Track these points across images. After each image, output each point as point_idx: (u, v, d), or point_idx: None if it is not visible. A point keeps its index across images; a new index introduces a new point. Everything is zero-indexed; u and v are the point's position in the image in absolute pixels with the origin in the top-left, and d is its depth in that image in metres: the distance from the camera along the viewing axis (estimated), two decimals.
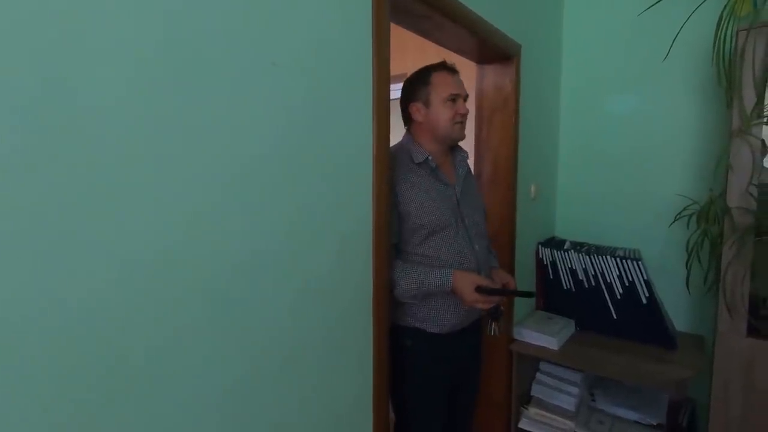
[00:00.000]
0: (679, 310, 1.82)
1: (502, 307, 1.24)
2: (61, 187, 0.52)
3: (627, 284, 1.71)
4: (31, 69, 0.49)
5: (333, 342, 0.94)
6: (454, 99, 1.21)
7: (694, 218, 1.53)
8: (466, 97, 1.25)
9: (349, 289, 0.97)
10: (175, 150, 0.63)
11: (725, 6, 1.40)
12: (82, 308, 0.55)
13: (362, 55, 0.96)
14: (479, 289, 1.10)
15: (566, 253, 1.84)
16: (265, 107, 0.75)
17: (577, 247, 1.86)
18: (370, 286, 1.03)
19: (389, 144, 1.04)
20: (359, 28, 0.95)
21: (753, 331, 1.43)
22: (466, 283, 1.11)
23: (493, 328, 1.25)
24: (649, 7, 1.60)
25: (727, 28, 1.39)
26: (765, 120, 1.36)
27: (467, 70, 1.63)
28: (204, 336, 0.69)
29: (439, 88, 1.21)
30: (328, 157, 0.89)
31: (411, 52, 2.17)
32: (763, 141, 1.39)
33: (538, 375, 1.85)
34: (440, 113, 1.21)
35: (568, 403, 1.72)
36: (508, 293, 1.22)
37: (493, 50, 1.54)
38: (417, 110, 1.24)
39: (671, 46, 1.59)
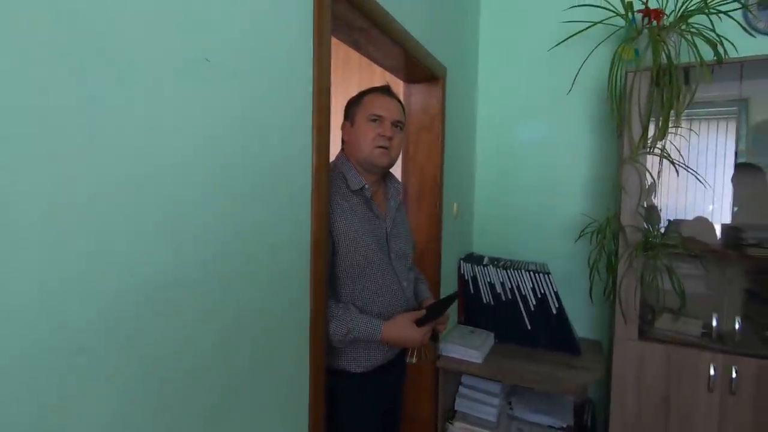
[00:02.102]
0: (581, 317, 2.01)
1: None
2: None
3: (539, 296, 1.83)
4: None
5: (266, 383, 0.83)
6: (376, 119, 1.14)
7: (594, 235, 1.70)
8: (397, 124, 1.18)
9: (284, 322, 0.87)
10: (68, 153, 0.50)
11: (616, 50, 1.61)
12: None
13: (302, 63, 0.89)
14: (417, 323, 1.10)
15: (485, 268, 1.92)
16: (192, 107, 0.65)
17: (495, 261, 1.96)
18: (307, 319, 0.94)
19: (329, 157, 0.98)
20: (300, 35, 0.88)
21: (643, 335, 1.62)
22: (406, 326, 1.09)
23: (422, 353, 1.25)
24: (556, 45, 1.78)
25: (618, 69, 1.60)
26: (649, 150, 1.58)
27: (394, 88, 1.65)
28: (105, 387, 0.55)
29: (366, 106, 1.17)
30: (262, 168, 0.80)
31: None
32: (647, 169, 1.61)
33: (461, 389, 1.89)
34: (361, 132, 1.15)
35: (490, 414, 1.78)
36: (438, 307, 1.22)
37: (422, 70, 1.57)
38: (345, 129, 1.20)
39: (573, 81, 1.78)
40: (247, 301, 0.77)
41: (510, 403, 1.88)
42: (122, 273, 0.56)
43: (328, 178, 0.97)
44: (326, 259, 0.99)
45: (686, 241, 1.65)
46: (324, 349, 0.99)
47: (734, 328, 1.57)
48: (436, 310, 1.19)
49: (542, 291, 1.83)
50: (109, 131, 0.54)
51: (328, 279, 1.01)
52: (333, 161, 1.18)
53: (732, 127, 1.74)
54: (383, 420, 1.24)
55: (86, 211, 0.52)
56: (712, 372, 1.50)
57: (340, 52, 2.52)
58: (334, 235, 1.07)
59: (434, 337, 1.23)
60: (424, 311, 1.16)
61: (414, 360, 1.24)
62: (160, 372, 0.62)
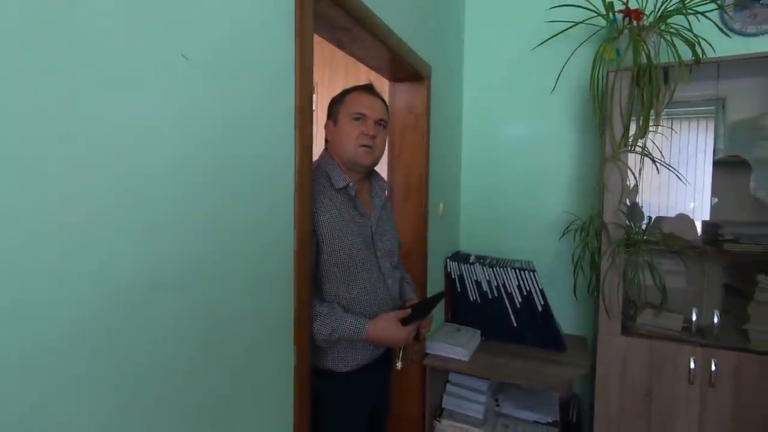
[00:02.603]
0: (566, 314, 2.03)
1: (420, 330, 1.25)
2: None
3: (525, 293, 1.85)
4: None
5: (250, 383, 0.83)
6: (359, 118, 1.14)
7: (578, 232, 1.72)
8: (381, 122, 1.18)
9: (268, 323, 0.87)
10: (46, 154, 0.49)
11: (598, 50, 1.63)
12: None
13: (284, 62, 0.89)
14: (402, 322, 1.11)
15: (472, 267, 1.94)
16: (171, 106, 0.64)
17: (481, 260, 1.98)
18: (291, 320, 0.93)
19: (312, 158, 0.98)
20: (281, 34, 0.87)
21: (625, 330, 1.65)
22: (391, 325, 1.09)
23: (409, 355, 1.26)
24: (539, 44, 1.80)
25: (599, 69, 1.62)
26: (630, 149, 1.61)
27: (380, 88, 1.65)
28: (85, 390, 0.54)
29: (348, 104, 1.16)
30: (245, 168, 0.79)
31: None
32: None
33: (448, 386, 1.90)
34: (344, 131, 1.14)
35: (477, 411, 1.79)
36: (424, 306, 1.22)
37: (407, 69, 1.57)
38: (328, 128, 1.20)
39: (557, 81, 1.80)
40: (230, 301, 0.77)
41: (497, 400, 1.89)
42: (103, 274, 0.55)
43: (311, 178, 0.97)
44: (310, 259, 0.98)
45: (667, 237, 1.68)
46: (308, 348, 0.98)
47: (713, 321, 1.60)
48: (422, 309, 1.20)
49: (528, 288, 1.85)
50: (87, 131, 0.53)
51: (312, 278, 1.01)
52: (317, 160, 1.17)
53: (710, 125, 1.78)
54: (370, 419, 1.24)
55: (65, 212, 0.51)
56: (692, 365, 1.53)
57: (325, 51, 2.52)
58: (318, 233, 1.07)
59: (416, 337, 1.23)
60: (409, 310, 1.16)
61: (399, 365, 1.25)
62: (143, 373, 0.61)
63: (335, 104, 1.19)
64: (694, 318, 1.63)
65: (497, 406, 1.88)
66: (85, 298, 0.53)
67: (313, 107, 2.44)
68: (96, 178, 0.54)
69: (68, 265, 0.52)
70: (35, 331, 0.49)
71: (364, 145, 1.14)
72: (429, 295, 1.77)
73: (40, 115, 0.48)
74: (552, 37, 1.73)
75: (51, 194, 0.50)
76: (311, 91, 0.96)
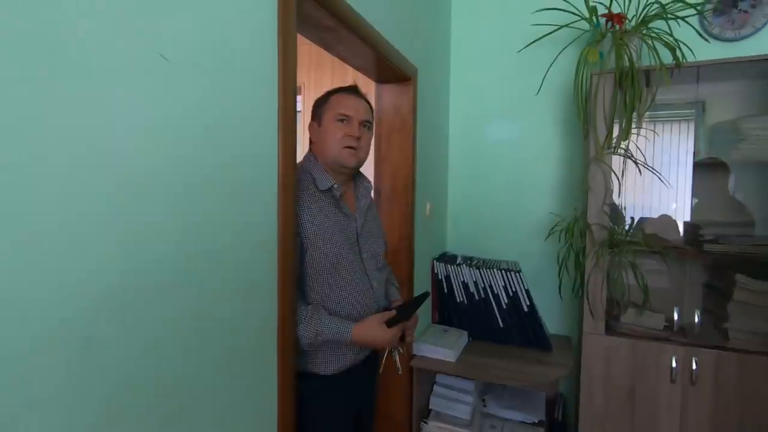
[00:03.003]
0: (552, 314, 2.05)
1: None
2: None
3: (511, 294, 1.86)
4: None
5: (233, 386, 0.81)
6: (343, 119, 1.13)
7: (563, 233, 1.74)
8: (365, 124, 1.17)
9: (252, 324, 0.86)
10: (21, 154, 0.48)
11: (581, 53, 1.65)
12: None
13: (267, 63, 0.88)
14: (387, 324, 1.11)
15: (459, 268, 1.94)
16: (150, 106, 0.63)
17: (468, 261, 1.99)
18: (275, 321, 0.92)
19: (296, 159, 0.97)
20: (264, 34, 0.86)
21: (609, 330, 1.67)
22: (376, 327, 1.09)
23: (399, 351, 1.26)
24: (525, 47, 1.81)
25: (583, 71, 1.64)
26: (613, 150, 1.63)
27: (366, 89, 1.64)
28: (62, 398, 0.53)
29: (333, 105, 1.16)
30: (227, 170, 0.78)
31: None
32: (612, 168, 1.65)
33: (436, 387, 1.90)
34: (328, 132, 1.14)
35: (464, 412, 1.79)
36: (409, 307, 1.22)
37: (393, 70, 1.57)
38: (312, 129, 1.19)
39: (542, 83, 1.82)
40: (214, 303, 0.76)
41: (484, 401, 1.90)
42: (87, 277, 0.54)
43: (295, 178, 0.96)
44: (294, 261, 0.97)
45: (649, 238, 1.70)
46: (293, 351, 0.97)
47: (694, 321, 1.63)
48: (407, 310, 1.20)
49: (514, 289, 1.86)
50: (68, 133, 0.51)
51: (295, 281, 1.00)
52: (300, 162, 1.16)
53: (691, 128, 1.82)
54: (356, 421, 1.23)
55: (48, 215, 0.50)
56: (674, 364, 1.55)
57: (312, 52, 2.51)
58: (302, 235, 1.06)
59: (402, 338, 1.23)
60: (394, 312, 1.16)
61: (380, 369, 1.24)
62: (126, 376, 0.60)
63: (319, 105, 1.19)
64: (675, 317, 1.66)
65: (484, 406, 1.88)
66: (69, 301, 0.52)
67: (300, 108, 2.43)
68: (80, 181, 0.53)
69: (52, 267, 0.51)
70: (17, 334, 0.47)
71: (349, 147, 1.13)
72: (415, 295, 1.77)
73: (15, 117, 0.47)
74: (537, 39, 1.75)
75: (36, 197, 0.49)
76: (295, 91, 0.95)
